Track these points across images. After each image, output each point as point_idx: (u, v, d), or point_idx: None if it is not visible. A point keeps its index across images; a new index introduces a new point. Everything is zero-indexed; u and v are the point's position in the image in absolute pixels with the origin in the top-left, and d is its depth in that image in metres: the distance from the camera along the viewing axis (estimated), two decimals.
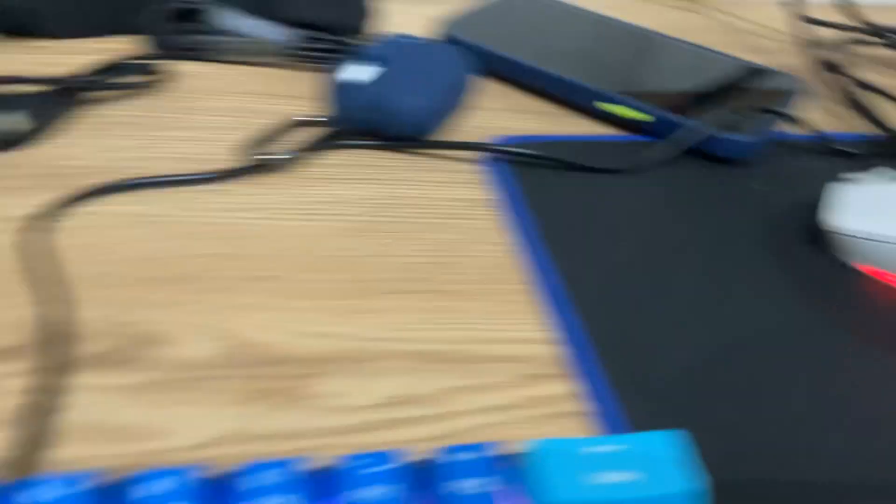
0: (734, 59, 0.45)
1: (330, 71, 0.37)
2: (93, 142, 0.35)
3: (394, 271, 0.30)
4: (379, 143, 0.36)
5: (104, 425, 0.23)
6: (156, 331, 0.26)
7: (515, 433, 0.24)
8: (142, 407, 0.23)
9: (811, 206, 0.35)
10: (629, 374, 0.26)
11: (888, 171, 0.35)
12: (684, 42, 0.46)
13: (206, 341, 0.26)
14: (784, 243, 0.33)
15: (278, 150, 0.34)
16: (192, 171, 0.33)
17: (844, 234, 0.32)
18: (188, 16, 0.42)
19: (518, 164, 0.36)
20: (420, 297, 0.29)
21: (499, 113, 0.41)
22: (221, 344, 0.26)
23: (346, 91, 0.36)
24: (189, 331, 0.26)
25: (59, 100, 0.35)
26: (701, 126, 0.37)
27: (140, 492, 0.17)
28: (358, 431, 0.24)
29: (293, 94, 0.40)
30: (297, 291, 0.28)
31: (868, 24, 0.50)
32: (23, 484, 0.17)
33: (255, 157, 0.33)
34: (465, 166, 0.36)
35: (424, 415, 0.24)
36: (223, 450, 0.23)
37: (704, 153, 0.38)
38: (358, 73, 0.37)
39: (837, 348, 0.28)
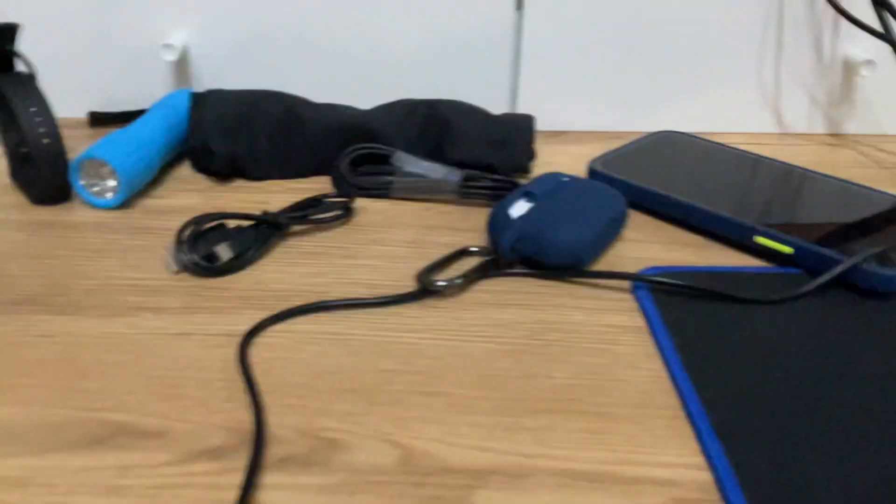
0: (881, 192, 0.45)
1: (493, 206, 0.42)
2: (287, 269, 0.40)
3: (546, 392, 0.32)
4: (536, 272, 0.40)
5: None
6: (338, 437, 0.30)
7: None
8: None
9: None
10: None
11: None
12: (829, 176, 0.47)
13: (381, 449, 0.29)
14: None
15: (444, 278, 0.38)
16: (370, 296, 0.38)
17: None
18: (372, 160, 0.48)
19: (665, 293, 0.38)
20: (571, 417, 0.31)
21: (648, 244, 0.43)
22: (395, 452, 0.29)
23: (505, 225, 0.40)
24: (367, 439, 0.30)
25: (260, 232, 0.42)
26: (847, 259, 0.38)
27: None
28: None
29: (461, 227, 0.45)
30: (459, 406, 0.31)
31: None
32: None
33: (423, 283, 0.38)
34: (615, 294, 0.39)
35: None
36: None
37: (854, 286, 0.38)
38: (517, 208, 0.41)
39: None
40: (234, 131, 0.48)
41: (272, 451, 0.29)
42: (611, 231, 0.42)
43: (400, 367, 0.34)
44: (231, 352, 0.34)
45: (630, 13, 0.54)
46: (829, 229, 0.41)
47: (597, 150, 0.53)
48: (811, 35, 0.55)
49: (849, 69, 0.55)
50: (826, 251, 0.39)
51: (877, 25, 0.51)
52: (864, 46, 0.55)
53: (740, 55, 0.55)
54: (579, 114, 0.57)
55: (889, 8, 0.49)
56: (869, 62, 0.53)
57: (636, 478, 0.28)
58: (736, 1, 0.54)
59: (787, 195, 0.45)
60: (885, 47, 0.53)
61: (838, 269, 0.38)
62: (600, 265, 0.41)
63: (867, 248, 0.38)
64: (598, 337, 0.36)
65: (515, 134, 0.50)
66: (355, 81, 0.56)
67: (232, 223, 0.42)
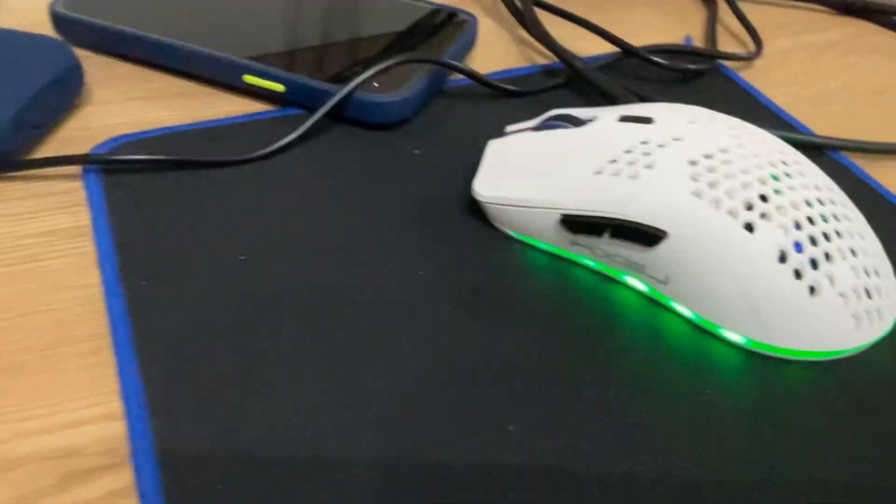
0: (414, 2, 0.39)
1: None
2: None
3: None
4: None
5: None
6: None
7: None
8: None
9: (473, 167, 0.31)
10: (192, 464, 0.21)
11: (555, 112, 0.30)
12: None
13: None
14: (441, 220, 0.28)
15: None
16: None
17: (487, 202, 0.28)
18: None
19: (125, 172, 0.30)
20: None
21: (124, 104, 0.34)
22: None
23: None
24: None
25: None
26: (339, 90, 0.31)
27: None
28: None
29: None
30: None
31: None
32: None
33: None
34: (63, 185, 0.29)
35: None
36: None
37: (359, 121, 0.33)
38: None
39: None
40: None
41: None
42: (49, 98, 0.31)
43: None
44: None
45: None
46: (333, 56, 0.34)
47: None
48: None
49: None
50: (317, 84, 0.32)
51: None
52: None
53: None
54: None
55: None
56: None
57: (19, 458, 0.21)
58: None
59: (298, 17, 0.37)
60: None
61: (325, 108, 0.31)
62: (51, 144, 0.31)
63: (371, 73, 0.32)
64: (26, 253, 0.27)
65: None
66: None
67: None
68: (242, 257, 0.26)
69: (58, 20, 0.36)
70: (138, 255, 0.26)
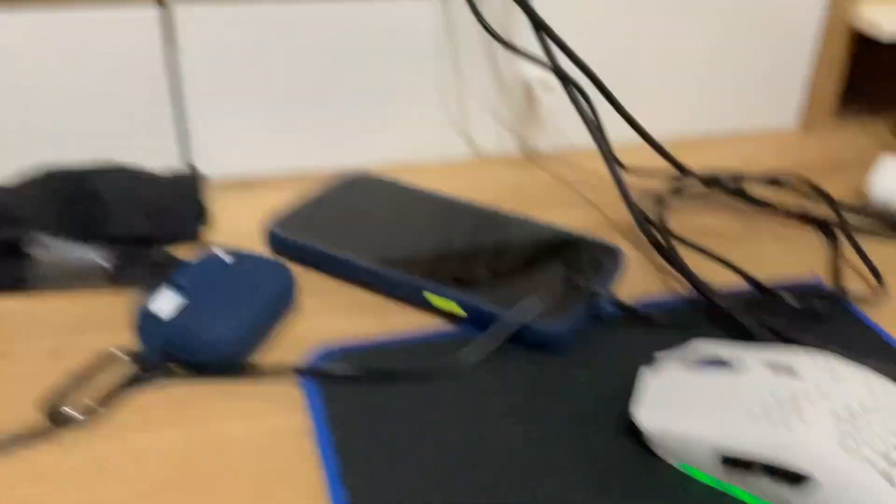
0: (552, 229, 0.45)
1: (142, 297, 0.37)
2: None
3: None
4: (189, 375, 0.35)
5: None
6: None
7: None
8: None
9: (629, 390, 0.35)
10: None
11: (701, 346, 0.35)
12: (514, 217, 0.46)
13: None
14: (603, 443, 0.33)
15: (79, 400, 0.33)
16: None
17: (650, 432, 0.32)
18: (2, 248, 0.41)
19: (332, 380, 0.36)
20: None
21: (328, 315, 0.40)
22: None
23: (149, 324, 0.35)
24: None
25: None
26: (513, 317, 0.37)
27: None
28: None
29: (111, 324, 0.39)
30: None
31: (687, 168, 0.52)
32: None
33: (49, 413, 0.32)
34: (285, 388, 0.36)
35: None
36: None
37: (526, 342, 0.38)
38: (164, 303, 0.36)
39: None
40: None
41: None
42: (273, 311, 0.38)
43: None
44: None
45: (301, 47, 0.51)
46: (504, 281, 0.40)
47: (288, 197, 0.50)
48: (486, 57, 0.54)
49: (528, 88, 0.55)
50: (494, 310, 0.38)
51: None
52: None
53: (420, 85, 0.54)
54: (267, 156, 0.53)
55: (548, 31, 0.49)
56: (542, 80, 0.53)
57: None
58: (405, 37, 0.52)
59: (470, 243, 0.44)
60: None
61: (507, 334, 0.37)
62: (270, 350, 0.38)
63: (530, 304, 0.38)
64: (256, 447, 0.32)
65: (178, 197, 0.45)
66: None
67: None
68: (438, 464, 0.31)
69: (273, 239, 0.44)
70: (356, 458, 0.32)
